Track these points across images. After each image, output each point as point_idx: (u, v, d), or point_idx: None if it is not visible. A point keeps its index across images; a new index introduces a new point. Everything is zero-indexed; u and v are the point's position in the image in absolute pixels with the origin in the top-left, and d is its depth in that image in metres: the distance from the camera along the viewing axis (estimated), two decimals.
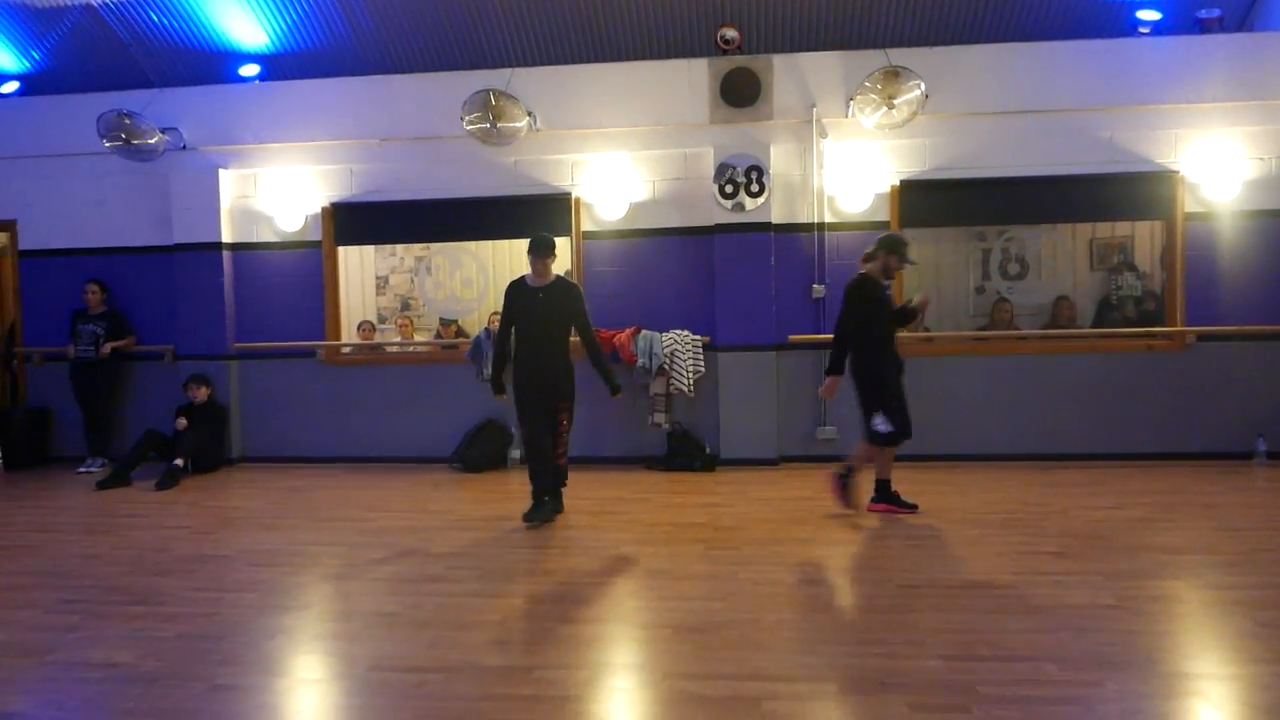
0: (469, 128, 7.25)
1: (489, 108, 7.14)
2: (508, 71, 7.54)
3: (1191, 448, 7.07)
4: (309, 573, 4.75)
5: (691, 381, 7.27)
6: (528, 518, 5.45)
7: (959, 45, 7.74)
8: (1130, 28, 8.11)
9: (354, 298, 9.12)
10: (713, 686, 3.18)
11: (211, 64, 9.05)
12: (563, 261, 7.61)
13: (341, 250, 8.09)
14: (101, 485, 6.98)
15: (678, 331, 7.36)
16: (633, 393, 7.47)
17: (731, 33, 7.56)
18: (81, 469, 7.79)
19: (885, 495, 5.64)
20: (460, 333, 9.08)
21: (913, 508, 5.59)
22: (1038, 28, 8.25)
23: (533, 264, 5.55)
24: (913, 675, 3.23)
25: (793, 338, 7.34)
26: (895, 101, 6.83)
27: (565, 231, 7.58)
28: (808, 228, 7.37)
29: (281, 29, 8.80)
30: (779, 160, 7.35)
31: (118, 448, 7.83)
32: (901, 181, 7.27)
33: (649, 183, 7.53)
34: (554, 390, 5.58)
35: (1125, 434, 7.15)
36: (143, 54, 9.12)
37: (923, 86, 6.76)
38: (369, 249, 9.65)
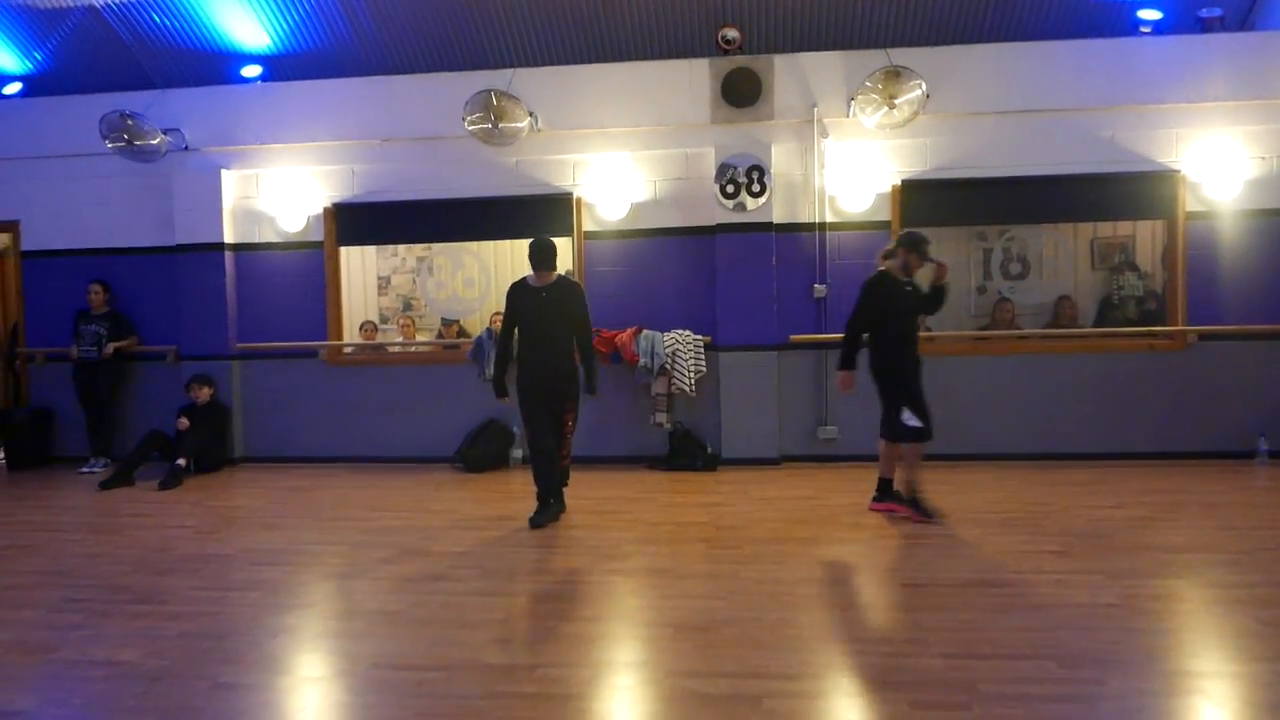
0: (470, 128, 7.26)
1: (490, 108, 7.15)
2: (509, 72, 7.56)
3: (1193, 447, 7.07)
4: (311, 572, 4.77)
5: (693, 381, 7.27)
6: (534, 522, 5.45)
7: (960, 45, 7.75)
8: (1131, 27, 8.12)
9: (356, 298, 9.14)
10: (714, 684, 3.18)
11: (213, 65, 9.07)
12: (564, 261, 7.62)
13: (343, 250, 8.10)
14: (104, 485, 7.00)
15: (679, 331, 7.37)
16: (634, 393, 7.49)
17: (732, 33, 7.56)
18: (84, 469, 7.81)
19: (887, 494, 5.64)
20: (462, 333, 9.09)
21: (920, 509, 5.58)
22: (1039, 27, 8.26)
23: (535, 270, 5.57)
24: (914, 673, 3.23)
25: (794, 337, 7.34)
26: (896, 101, 6.84)
27: (567, 232, 7.59)
28: (809, 227, 7.37)
29: (283, 30, 8.82)
30: (780, 160, 7.35)
31: (120, 448, 7.85)
32: (903, 181, 7.28)
33: (650, 183, 7.54)
34: (558, 391, 5.58)
35: (1126, 433, 7.16)
36: (145, 55, 9.15)
37: (924, 86, 6.77)
38: (371, 249, 9.66)
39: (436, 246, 8.75)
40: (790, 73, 7.34)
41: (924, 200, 7.25)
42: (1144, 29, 8.04)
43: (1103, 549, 4.76)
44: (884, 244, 7.30)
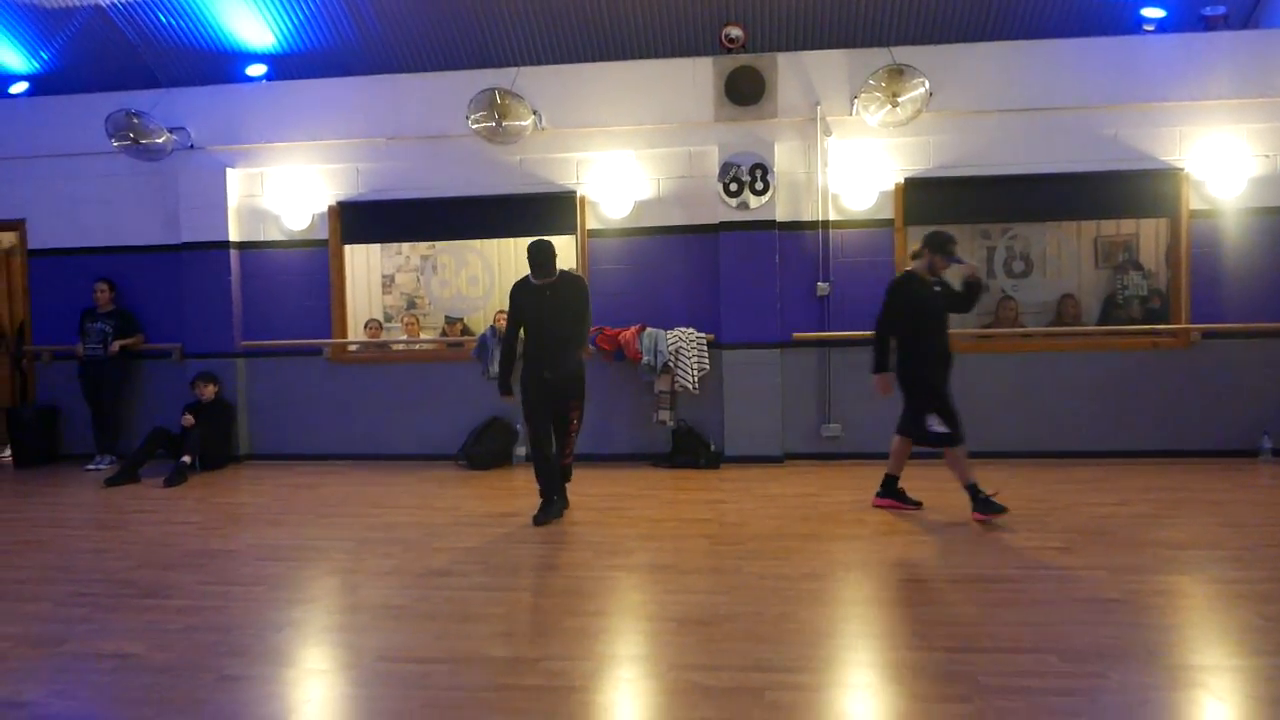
0: (474, 126, 7.28)
1: (494, 106, 7.17)
2: (513, 70, 7.58)
3: (1196, 445, 7.07)
4: (316, 567, 4.79)
5: (696, 379, 7.29)
6: (538, 520, 5.46)
7: (963, 43, 7.75)
8: (1135, 25, 8.11)
9: (360, 296, 9.17)
10: (717, 677, 3.20)
11: (219, 64, 9.10)
12: (568, 260, 7.65)
13: (348, 249, 8.13)
14: (110, 482, 7.04)
15: (682, 329, 7.38)
16: (638, 390, 7.50)
17: (736, 31, 7.58)
18: (90, 466, 7.85)
19: (890, 491, 5.65)
20: (466, 331, 9.12)
21: (917, 504, 5.61)
22: (1042, 26, 8.26)
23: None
24: (916, 667, 3.24)
25: (797, 335, 7.36)
26: (899, 99, 6.85)
27: (570, 230, 7.61)
28: (812, 226, 7.38)
29: (288, 29, 8.85)
30: (783, 158, 7.36)
31: (126, 445, 7.88)
32: (906, 179, 7.29)
33: (654, 181, 7.56)
34: (565, 390, 5.57)
35: (1130, 431, 7.16)
36: (151, 54, 9.18)
37: (927, 84, 6.78)
38: (375, 248, 9.70)
39: (440, 245, 8.78)
40: (793, 71, 7.35)
41: (927, 198, 7.26)
42: (1147, 27, 8.03)
43: (1105, 545, 4.76)
44: (887, 242, 7.38)
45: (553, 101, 7.56)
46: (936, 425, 5.28)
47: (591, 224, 7.63)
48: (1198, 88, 7.02)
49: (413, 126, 7.77)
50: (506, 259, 9.24)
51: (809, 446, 7.41)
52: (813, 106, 7.33)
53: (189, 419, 7.44)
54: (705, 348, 7.38)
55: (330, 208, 7.92)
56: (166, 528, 5.68)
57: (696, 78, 7.45)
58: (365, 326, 8.83)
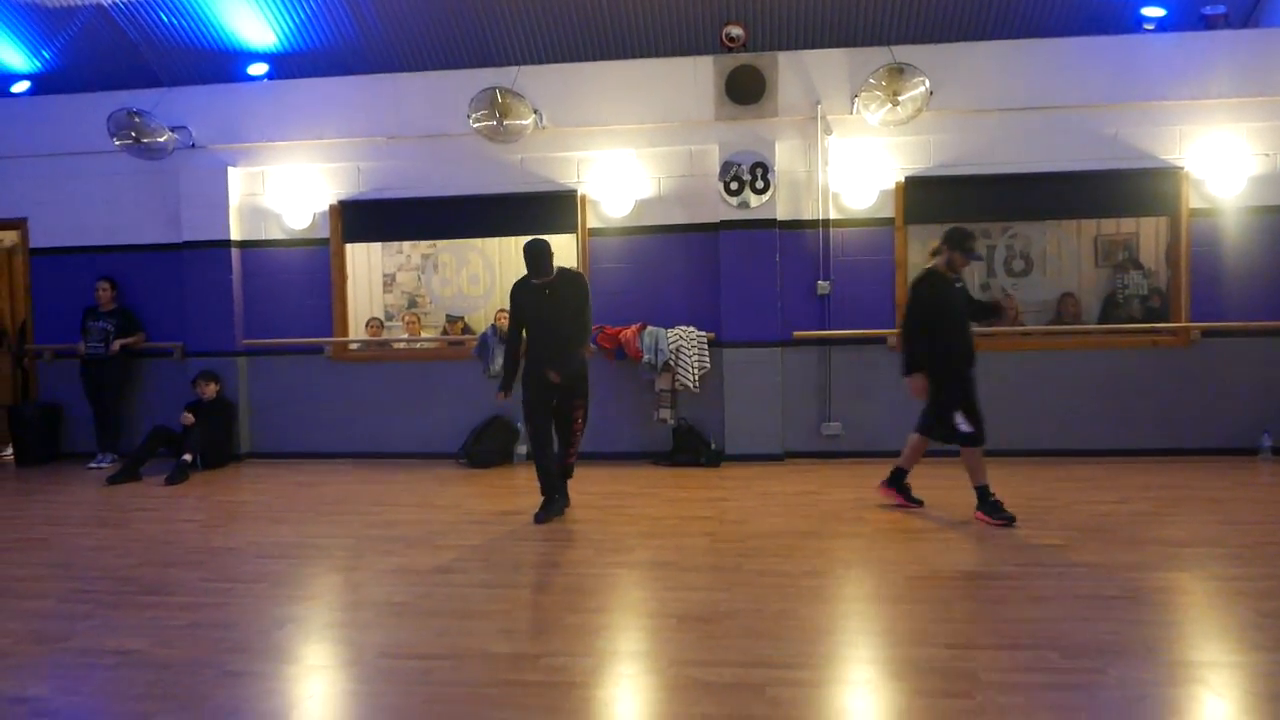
0: (475, 125, 7.29)
1: (495, 105, 7.18)
2: (514, 69, 7.59)
3: (1196, 443, 7.08)
4: (318, 564, 4.80)
5: (697, 377, 7.30)
6: (539, 518, 5.47)
7: (963, 42, 7.75)
8: (1135, 24, 8.13)
9: (361, 295, 9.18)
10: (718, 673, 3.21)
11: (220, 63, 9.12)
12: (569, 259, 7.66)
13: (349, 247, 8.14)
14: (112, 480, 7.05)
15: (683, 328, 7.39)
16: (638, 389, 7.51)
17: (737, 30, 7.59)
18: (92, 464, 7.87)
19: (897, 483, 5.62)
20: (467, 329, 9.13)
21: (919, 503, 5.61)
22: (1042, 24, 8.26)
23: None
24: (916, 663, 3.25)
25: (797, 334, 7.37)
26: (900, 98, 6.86)
27: (571, 229, 7.63)
28: (813, 224, 7.40)
29: (289, 28, 8.87)
30: (784, 157, 7.37)
31: (128, 443, 7.89)
32: (906, 178, 7.30)
33: (654, 180, 7.57)
34: (570, 388, 5.56)
35: (1130, 430, 7.17)
36: (152, 53, 9.20)
37: (927, 83, 6.79)
38: (376, 246, 9.70)
39: (441, 243, 8.79)
40: (794, 70, 7.36)
41: (927, 197, 7.27)
42: (1148, 26, 8.05)
43: (1105, 543, 4.77)
44: (888, 241, 7.39)
45: (553, 100, 7.57)
46: (964, 424, 5.23)
47: (592, 223, 7.64)
48: (1198, 87, 7.03)
49: (414, 125, 7.78)
50: (507, 258, 9.23)
51: (809, 445, 7.42)
52: (813, 105, 7.34)
53: (188, 418, 7.46)
54: (706, 346, 7.39)
55: (331, 206, 7.93)
56: (168, 525, 5.69)
57: (697, 77, 7.46)
58: (366, 325, 8.84)
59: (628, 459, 7.51)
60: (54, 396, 8.38)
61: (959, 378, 5.30)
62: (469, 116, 7.23)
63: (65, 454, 8.33)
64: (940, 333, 5.30)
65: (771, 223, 7.33)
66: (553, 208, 7.62)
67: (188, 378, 7.83)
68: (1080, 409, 7.21)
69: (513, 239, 8.88)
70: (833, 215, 7.40)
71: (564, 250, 7.38)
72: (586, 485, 6.24)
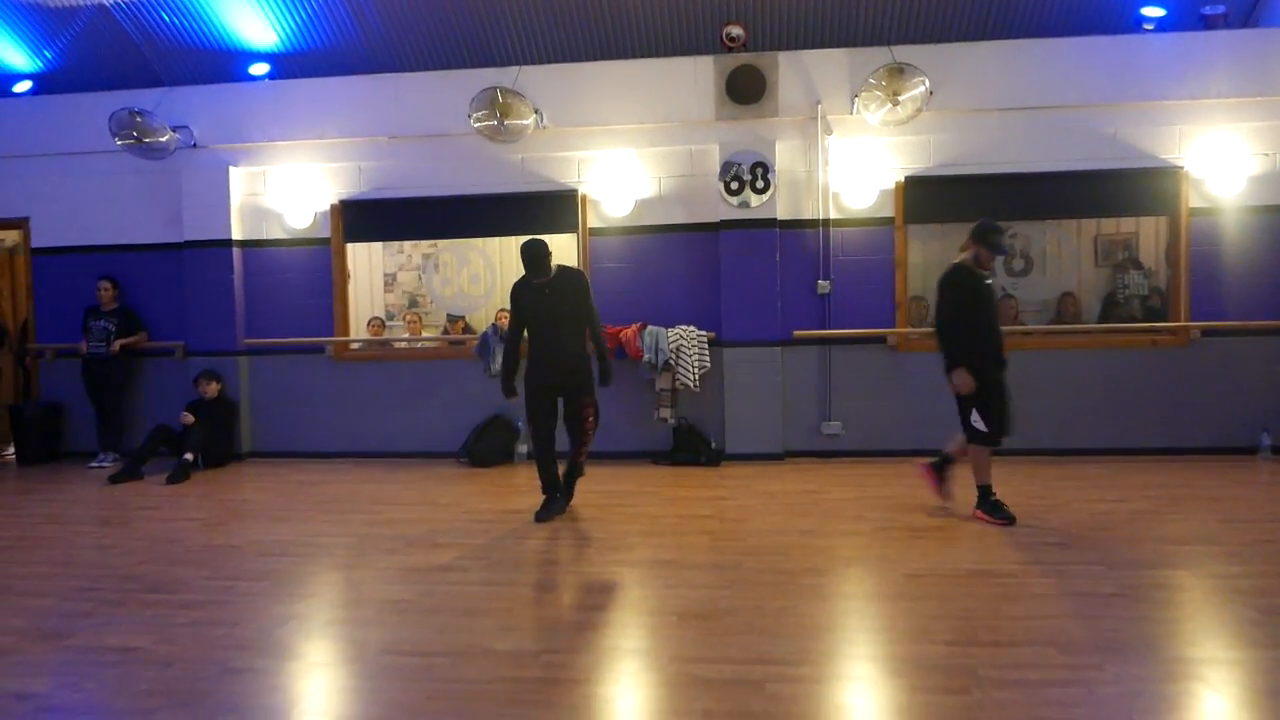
0: (476, 125, 7.31)
1: (496, 105, 7.19)
2: (515, 69, 7.60)
3: (1196, 442, 7.08)
4: (319, 562, 4.82)
5: (697, 377, 7.31)
6: (540, 517, 5.48)
7: (963, 42, 7.76)
8: (1135, 24, 8.13)
9: (362, 294, 9.19)
10: (718, 670, 3.22)
11: (222, 63, 9.13)
12: (570, 258, 7.67)
13: (350, 247, 8.16)
14: (114, 479, 7.07)
15: (683, 327, 7.40)
16: (639, 388, 7.53)
17: (737, 30, 7.60)
18: (93, 464, 7.88)
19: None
20: (468, 329, 9.13)
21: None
22: (1042, 24, 8.27)
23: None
24: (915, 660, 3.27)
25: (798, 333, 7.38)
26: (900, 98, 6.87)
27: (572, 228, 7.64)
28: (813, 224, 7.41)
29: (291, 28, 8.88)
30: (784, 157, 7.39)
31: (129, 443, 7.90)
32: (906, 178, 7.31)
33: (655, 179, 7.58)
34: (573, 387, 5.55)
35: (1129, 429, 7.17)
36: (154, 53, 9.21)
37: (927, 83, 6.80)
38: (377, 246, 9.72)
39: (442, 243, 8.80)
40: (794, 70, 7.38)
41: (927, 197, 7.28)
42: (1147, 26, 8.05)
43: (1104, 541, 4.78)
44: (888, 241, 7.41)
45: (554, 100, 7.59)
46: (978, 422, 5.17)
47: (593, 222, 7.66)
48: (1197, 86, 7.04)
49: (415, 125, 7.79)
50: (508, 257, 9.23)
51: (809, 444, 7.43)
52: (813, 105, 7.36)
53: (189, 417, 7.47)
54: (706, 346, 7.40)
55: (332, 206, 7.94)
56: (170, 524, 5.71)
57: (697, 76, 7.47)
58: (367, 324, 8.85)
59: (628, 458, 7.52)
60: (55, 396, 8.39)
61: (983, 378, 5.17)
62: (470, 116, 7.25)
63: (67, 453, 8.34)
64: (971, 328, 5.19)
65: (772, 222, 7.34)
66: (553, 207, 7.63)
67: (189, 377, 7.84)
68: (1080, 408, 7.22)
69: (513, 239, 8.89)
70: (833, 215, 7.41)
71: (565, 250, 7.41)
72: (587, 484, 6.22)
